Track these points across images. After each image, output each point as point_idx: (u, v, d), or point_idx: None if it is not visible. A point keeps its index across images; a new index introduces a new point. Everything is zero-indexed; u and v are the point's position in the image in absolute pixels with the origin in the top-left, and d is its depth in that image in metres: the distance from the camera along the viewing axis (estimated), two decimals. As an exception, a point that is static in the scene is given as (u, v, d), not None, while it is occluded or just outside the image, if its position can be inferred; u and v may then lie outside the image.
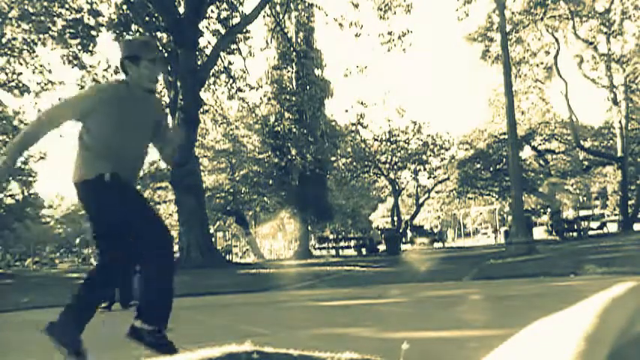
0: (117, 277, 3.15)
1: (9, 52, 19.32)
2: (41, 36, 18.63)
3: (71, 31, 18.05)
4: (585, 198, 48.06)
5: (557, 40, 25.72)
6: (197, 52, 17.82)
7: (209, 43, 19.83)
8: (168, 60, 3.63)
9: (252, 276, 11.78)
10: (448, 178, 30.32)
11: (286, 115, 27.90)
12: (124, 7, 17.79)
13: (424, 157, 29.90)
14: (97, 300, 3.04)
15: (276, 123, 27.95)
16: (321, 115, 27.83)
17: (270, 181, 28.90)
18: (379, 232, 28.23)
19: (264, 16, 22.04)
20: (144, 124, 2.98)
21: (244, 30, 19.93)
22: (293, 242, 35.67)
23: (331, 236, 32.34)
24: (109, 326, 4.93)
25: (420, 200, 33.07)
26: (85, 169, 2.82)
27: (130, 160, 2.94)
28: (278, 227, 38.09)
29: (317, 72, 28.59)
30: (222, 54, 19.65)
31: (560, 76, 25.15)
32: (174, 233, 32.44)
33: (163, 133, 3.14)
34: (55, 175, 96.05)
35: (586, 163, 29.46)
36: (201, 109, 18.93)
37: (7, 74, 20.03)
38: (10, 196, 29.27)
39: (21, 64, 19.85)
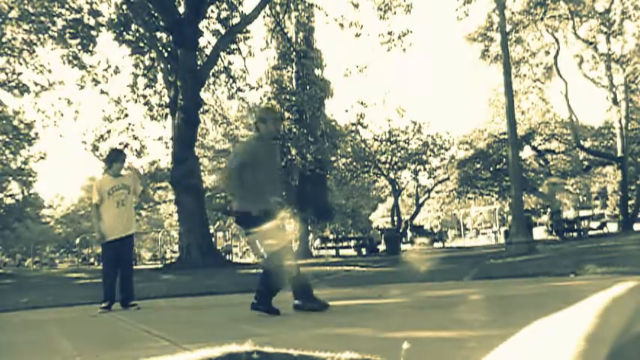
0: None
1: (9, 52, 19.32)
2: (41, 36, 18.63)
3: (71, 31, 18.05)
4: (585, 198, 48.07)
5: (557, 40, 25.73)
6: (197, 52, 17.81)
7: (209, 43, 19.83)
8: (281, 117, 5.68)
9: (252, 276, 11.77)
10: (448, 178, 30.30)
11: (286, 115, 27.87)
12: (124, 7, 17.79)
13: (424, 157, 29.88)
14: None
15: (276, 123, 27.91)
16: (321, 115, 27.79)
17: (270, 181, 28.85)
18: (379, 232, 28.22)
19: (264, 16, 22.03)
20: (275, 162, 4.84)
21: (244, 30, 19.93)
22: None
23: (331, 236, 32.31)
24: (109, 326, 4.93)
25: (420, 200, 33.06)
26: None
27: (275, 188, 4.69)
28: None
29: (317, 72, 28.56)
30: (222, 54, 19.64)
31: (560, 76, 25.16)
32: (175, 233, 32.45)
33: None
34: (55, 175, 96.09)
35: (586, 163, 29.46)
36: (201, 109, 18.92)
37: (7, 74, 20.03)
38: (10, 196, 29.27)
39: (21, 64, 19.86)
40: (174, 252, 29.70)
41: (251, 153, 4.58)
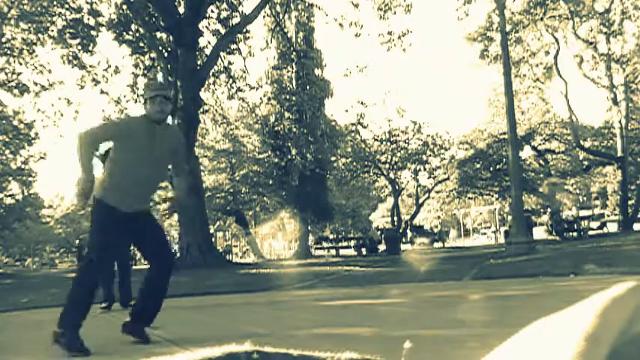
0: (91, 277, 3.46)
1: (9, 52, 19.32)
2: (41, 36, 18.63)
3: (71, 31, 18.05)
4: (585, 198, 48.08)
5: (557, 40, 25.72)
6: (197, 52, 17.80)
7: (209, 43, 19.82)
8: (169, 97, 3.77)
9: (252, 276, 11.78)
10: (448, 178, 30.31)
11: (286, 115, 27.88)
12: (124, 7, 17.78)
13: (424, 157, 29.89)
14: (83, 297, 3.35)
15: (276, 123, 27.95)
16: (321, 115, 27.81)
17: (270, 181, 28.90)
18: (379, 232, 28.23)
19: (264, 16, 22.02)
20: (159, 153, 3.47)
21: (244, 30, 19.92)
22: (293, 242, 35.65)
23: (331, 236, 32.33)
24: (108, 326, 4.93)
25: (420, 200, 33.06)
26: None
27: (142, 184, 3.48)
28: (278, 227, 38.10)
29: (317, 72, 28.58)
30: (222, 54, 19.63)
31: (560, 76, 25.15)
32: (175, 233, 32.44)
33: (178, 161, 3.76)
34: (55, 175, 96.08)
35: (586, 163, 29.45)
36: (201, 109, 18.92)
37: (6, 74, 20.03)
38: (10, 196, 29.25)
39: (20, 63, 19.86)
40: (174, 252, 29.70)
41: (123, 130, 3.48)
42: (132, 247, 6.61)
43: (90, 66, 19.39)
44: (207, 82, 19.64)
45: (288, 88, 28.18)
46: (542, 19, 24.86)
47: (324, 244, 27.66)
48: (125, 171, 3.41)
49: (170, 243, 3.90)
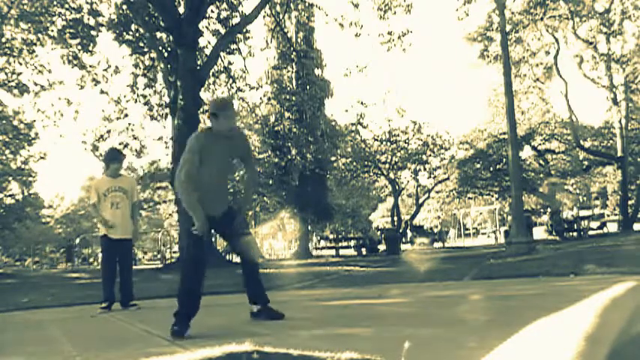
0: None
1: (8, 52, 19.33)
2: (40, 36, 18.65)
3: (71, 31, 18.06)
4: (585, 198, 48.10)
5: (557, 40, 25.72)
6: (197, 52, 17.80)
7: (209, 43, 19.83)
8: (236, 112, 4.22)
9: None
10: (448, 178, 30.29)
11: (286, 115, 27.88)
12: (124, 7, 17.79)
13: (424, 157, 29.87)
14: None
15: (276, 123, 27.94)
16: (321, 115, 27.80)
17: (270, 181, 28.89)
18: (379, 232, 28.22)
19: (264, 16, 22.02)
20: (224, 159, 4.02)
21: (244, 30, 19.92)
22: (293, 242, 35.65)
23: (331, 236, 32.32)
24: (108, 326, 4.93)
25: (420, 200, 33.05)
26: None
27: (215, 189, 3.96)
28: (278, 227, 38.07)
29: (317, 72, 28.57)
30: (222, 54, 19.63)
31: (560, 76, 25.15)
32: (175, 233, 32.44)
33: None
34: (55, 175, 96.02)
35: (586, 163, 29.45)
36: (201, 109, 18.93)
37: (6, 74, 20.04)
38: (10, 196, 29.23)
39: (20, 64, 19.86)
40: (174, 252, 29.70)
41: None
42: (132, 251, 6.61)
43: (90, 66, 19.42)
44: (207, 82, 19.64)
45: (288, 88, 28.17)
46: (542, 19, 24.85)
47: (324, 244, 27.65)
48: (203, 182, 3.87)
49: (248, 233, 4.55)
